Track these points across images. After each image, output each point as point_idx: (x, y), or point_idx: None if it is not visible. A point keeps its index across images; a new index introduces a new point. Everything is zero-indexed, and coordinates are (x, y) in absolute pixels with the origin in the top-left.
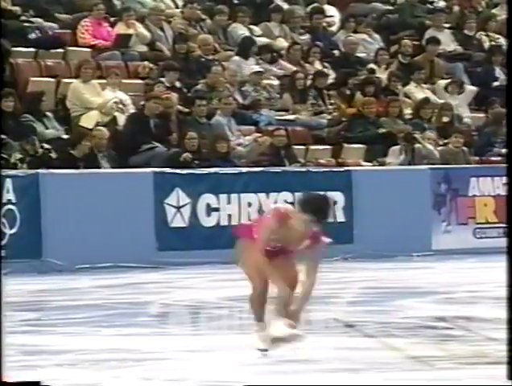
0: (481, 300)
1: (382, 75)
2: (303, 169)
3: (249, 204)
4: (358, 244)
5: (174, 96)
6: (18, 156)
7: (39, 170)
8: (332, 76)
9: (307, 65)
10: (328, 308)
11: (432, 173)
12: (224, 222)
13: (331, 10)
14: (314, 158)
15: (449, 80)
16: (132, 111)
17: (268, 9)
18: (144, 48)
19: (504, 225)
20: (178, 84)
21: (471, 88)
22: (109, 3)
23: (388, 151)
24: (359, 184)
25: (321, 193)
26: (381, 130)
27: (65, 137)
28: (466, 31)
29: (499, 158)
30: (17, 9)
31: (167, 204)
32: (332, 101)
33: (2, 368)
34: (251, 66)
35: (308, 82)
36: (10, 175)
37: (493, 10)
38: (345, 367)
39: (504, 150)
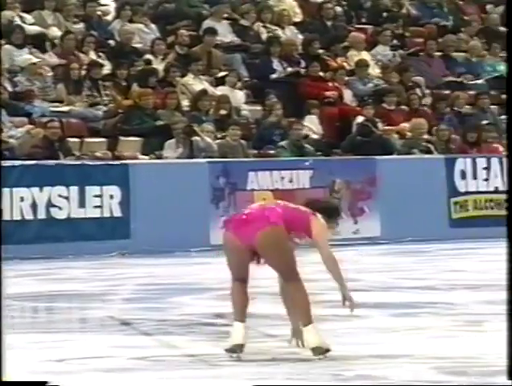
0: (258, 296)
1: (159, 66)
2: (79, 162)
3: (22, 199)
4: (135, 240)
5: None
6: None
7: None
8: (107, 67)
9: (81, 55)
10: (104, 305)
11: (210, 166)
12: None
13: None
14: (89, 150)
15: (227, 72)
16: None
17: None
18: None
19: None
20: None
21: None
22: None
23: (165, 144)
24: (136, 178)
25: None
26: (159, 123)
27: None
28: (243, 22)
29: (277, 152)
30: None
31: None
32: (108, 92)
33: (2, 368)
34: (23, 55)
35: (83, 72)
36: None
37: (270, 2)
38: (120, 366)
39: (283, 143)
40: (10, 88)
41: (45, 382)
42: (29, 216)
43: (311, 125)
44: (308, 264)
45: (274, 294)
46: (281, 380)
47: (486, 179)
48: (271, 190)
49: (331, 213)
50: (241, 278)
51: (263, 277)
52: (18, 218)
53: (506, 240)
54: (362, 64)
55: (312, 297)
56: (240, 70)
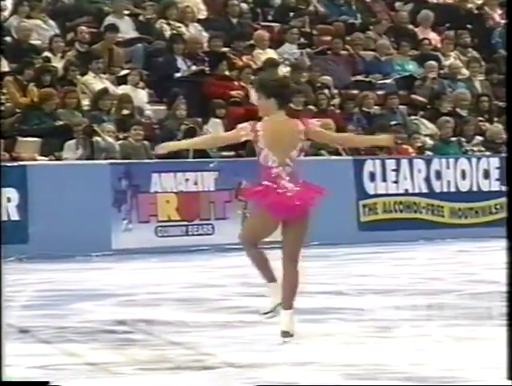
0: (163, 302)
1: (59, 64)
2: None
3: None
4: (34, 244)
5: None
6: None
7: None
8: (4, 65)
9: None
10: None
11: (112, 168)
12: None
13: None
14: None
15: (129, 71)
16: None
17: None
18: None
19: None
20: None
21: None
22: None
23: (65, 145)
24: (34, 180)
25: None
26: (58, 123)
27: None
28: (146, 19)
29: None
30: None
31: None
32: (5, 91)
33: (1, 368)
34: None
35: None
36: None
37: None
38: (19, 375)
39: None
40: None
41: (46, 382)
42: None
43: (212, 130)
44: (216, 269)
45: (178, 300)
46: None
47: (396, 181)
48: (175, 193)
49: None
50: (254, 243)
51: (168, 282)
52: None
53: (506, 240)
54: (271, 63)
55: (219, 303)
56: (142, 68)
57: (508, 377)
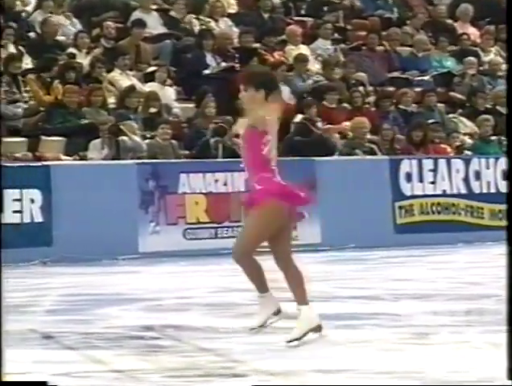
0: (191, 307)
1: (84, 60)
2: None
3: None
4: (58, 247)
5: None
6: None
7: None
8: (27, 61)
9: None
10: (25, 318)
11: (139, 168)
12: None
13: None
14: (9, 151)
15: (157, 67)
16: None
17: None
18: None
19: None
20: None
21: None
22: None
23: (90, 144)
24: (59, 181)
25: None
26: (83, 121)
27: None
28: (174, 14)
29: (211, 152)
30: None
31: None
32: (29, 89)
33: (1, 368)
34: None
35: (1, 67)
36: None
37: None
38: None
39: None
40: None
41: (45, 382)
42: None
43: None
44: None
45: (208, 305)
46: None
47: (433, 182)
48: (204, 194)
49: (272, 84)
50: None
51: (196, 286)
52: None
53: (506, 244)
54: (301, 59)
55: (249, 307)
56: (170, 65)
57: (508, 377)
